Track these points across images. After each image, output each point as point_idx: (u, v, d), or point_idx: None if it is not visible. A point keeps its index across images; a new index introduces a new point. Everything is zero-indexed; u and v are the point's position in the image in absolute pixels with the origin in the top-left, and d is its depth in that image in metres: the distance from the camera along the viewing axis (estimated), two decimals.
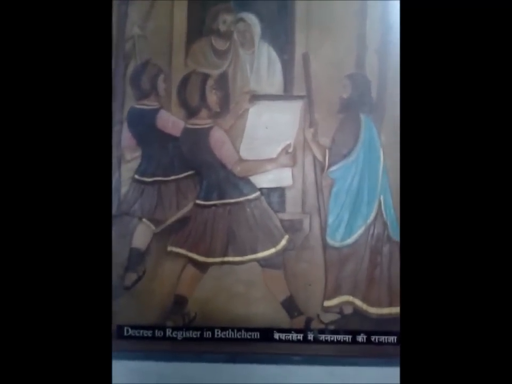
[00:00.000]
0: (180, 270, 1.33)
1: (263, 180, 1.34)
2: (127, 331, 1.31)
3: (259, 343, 1.30)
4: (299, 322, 1.31)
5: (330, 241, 1.33)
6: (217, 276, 1.33)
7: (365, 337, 1.30)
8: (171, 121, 1.34)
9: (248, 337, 1.30)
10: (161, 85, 1.35)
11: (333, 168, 1.34)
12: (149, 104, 1.36)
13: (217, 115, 1.34)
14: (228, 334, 1.31)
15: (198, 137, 1.34)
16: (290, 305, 1.31)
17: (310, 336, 1.31)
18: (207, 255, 1.33)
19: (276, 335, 1.31)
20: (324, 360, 1.31)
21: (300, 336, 1.31)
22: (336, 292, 1.32)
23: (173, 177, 1.35)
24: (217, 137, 1.33)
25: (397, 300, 1.27)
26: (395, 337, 1.28)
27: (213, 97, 1.33)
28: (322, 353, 1.31)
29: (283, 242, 1.32)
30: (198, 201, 1.34)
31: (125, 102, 1.34)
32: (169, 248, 1.34)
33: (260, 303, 1.32)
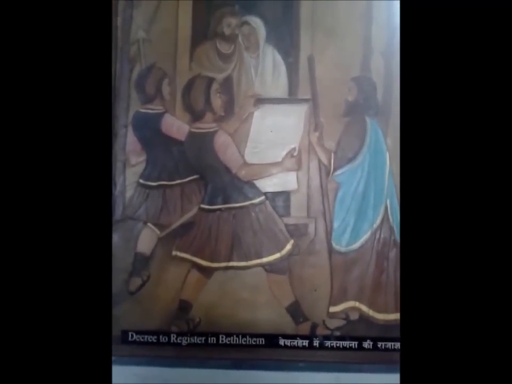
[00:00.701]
0: (185, 275, 1.32)
1: (268, 184, 1.33)
2: (132, 336, 1.30)
3: (264, 349, 1.29)
4: (304, 328, 1.30)
5: (335, 246, 1.31)
6: (222, 280, 1.32)
7: (371, 343, 1.28)
8: (176, 126, 1.34)
9: (253, 343, 1.29)
10: (166, 89, 1.34)
11: (338, 172, 1.32)
12: (154, 108, 1.35)
13: (221, 119, 1.34)
14: (233, 340, 1.29)
15: (202, 141, 1.33)
16: (295, 311, 1.30)
17: (316, 343, 1.29)
18: (212, 260, 1.32)
19: (281, 341, 1.29)
20: (330, 366, 1.29)
21: (306, 342, 1.29)
22: (342, 298, 1.31)
23: (177, 182, 1.35)
24: (222, 141, 1.32)
25: None
26: None
27: (217, 101, 1.33)
28: (328, 360, 1.29)
29: (288, 247, 1.31)
30: (203, 206, 1.33)
31: (130, 106, 1.34)
32: (174, 253, 1.33)
33: (265, 309, 1.30)
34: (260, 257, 1.31)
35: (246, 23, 1.34)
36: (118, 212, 1.33)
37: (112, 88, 1.30)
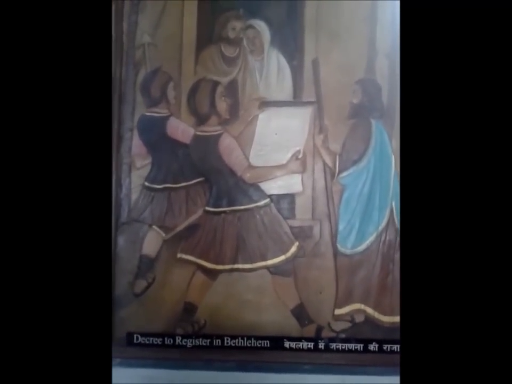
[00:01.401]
0: (190, 277, 1.32)
1: (273, 187, 1.32)
2: (137, 338, 1.30)
3: (269, 352, 1.29)
4: (310, 330, 1.29)
5: (341, 248, 1.31)
6: (227, 283, 1.31)
7: (376, 345, 1.28)
8: (181, 129, 1.34)
9: (258, 345, 1.29)
10: (171, 93, 1.35)
11: (344, 174, 1.32)
12: (159, 111, 1.36)
13: (226, 122, 1.34)
14: (238, 342, 1.29)
15: (207, 144, 1.33)
16: (300, 313, 1.29)
17: (321, 345, 1.28)
18: (217, 262, 1.32)
19: (286, 344, 1.29)
20: (335, 369, 1.28)
21: (311, 345, 1.29)
22: (348, 300, 1.30)
23: (182, 184, 1.35)
24: (227, 144, 1.32)
25: None
26: None
27: (222, 104, 1.33)
28: (333, 362, 1.28)
29: (293, 249, 1.30)
30: (208, 208, 1.33)
31: (135, 110, 1.34)
32: (179, 255, 1.33)
33: (270, 311, 1.30)
34: (265, 259, 1.31)
35: (251, 26, 1.34)
36: (123, 215, 1.33)
37: (116, 92, 1.31)
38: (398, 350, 1.26)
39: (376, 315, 1.29)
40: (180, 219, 1.33)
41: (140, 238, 1.34)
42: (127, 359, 1.28)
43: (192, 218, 1.33)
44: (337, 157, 1.31)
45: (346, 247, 1.31)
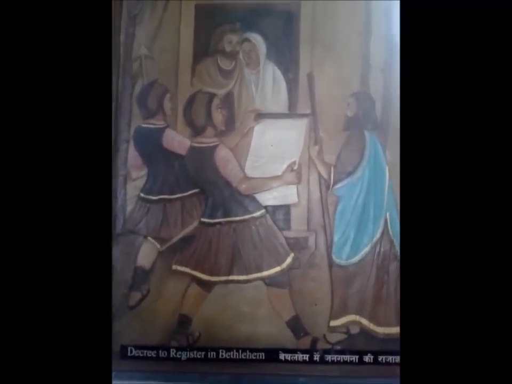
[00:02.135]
0: (185, 289, 1.31)
1: (268, 198, 1.32)
2: (131, 351, 1.28)
3: (264, 364, 1.27)
4: (305, 342, 1.28)
5: (336, 259, 1.30)
6: (222, 294, 1.30)
7: (372, 357, 1.26)
8: (177, 140, 1.34)
9: (253, 357, 1.27)
10: (167, 104, 1.34)
11: (338, 185, 1.32)
12: (156, 123, 1.35)
13: (222, 133, 1.33)
14: (233, 355, 1.27)
15: (203, 156, 1.33)
16: (296, 325, 1.28)
17: (316, 357, 1.27)
18: (212, 274, 1.30)
19: (281, 356, 1.27)
20: (330, 380, 1.27)
21: (306, 357, 1.27)
22: (343, 311, 1.29)
23: (178, 195, 1.34)
24: (223, 155, 1.31)
25: None
26: None
27: (218, 116, 1.32)
28: (328, 374, 1.27)
29: (288, 260, 1.29)
30: (203, 219, 1.32)
31: (131, 121, 1.34)
32: (174, 267, 1.31)
33: (265, 323, 1.28)
34: (260, 270, 1.29)
35: (247, 40, 1.35)
36: (118, 226, 1.32)
37: (113, 103, 1.30)
38: (393, 361, 1.25)
39: (372, 326, 1.28)
40: (175, 230, 1.32)
41: (135, 249, 1.32)
42: (121, 372, 1.25)
43: (188, 230, 1.32)
44: (332, 168, 1.31)
45: (341, 258, 1.30)
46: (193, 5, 1.36)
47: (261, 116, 1.32)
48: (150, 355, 1.27)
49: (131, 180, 1.34)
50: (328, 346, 1.27)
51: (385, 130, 1.32)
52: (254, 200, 1.31)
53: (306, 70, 1.33)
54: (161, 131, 1.34)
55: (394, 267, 1.28)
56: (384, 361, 1.26)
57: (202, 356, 1.27)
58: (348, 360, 1.26)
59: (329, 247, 1.30)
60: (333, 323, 1.28)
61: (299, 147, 1.32)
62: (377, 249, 1.30)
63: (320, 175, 1.31)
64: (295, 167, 1.31)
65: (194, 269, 1.30)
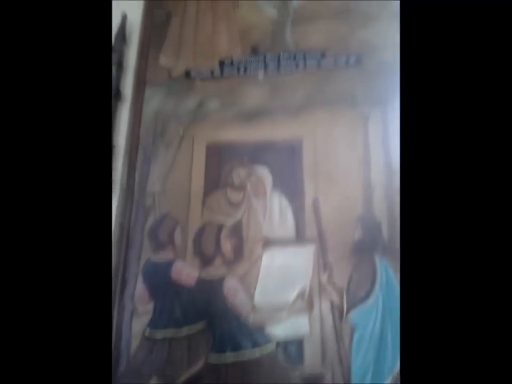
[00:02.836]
0: None
1: (278, 329, 1.25)
2: None
3: None
4: None
5: None
6: None
7: None
8: (185, 272, 1.33)
9: None
10: (177, 236, 1.37)
11: (352, 312, 1.25)
12: (165, 255, 1.36)
13: (231, 263, 1.33)
14: None
15: (211, 287, 1.30)
16: None
17: None
18: None
19: None
20: None
21: None
22: None
23: (184, 334, 1.28)
24: (231, 285, 1.29)
25: None
26: None
27: (227, 246, 1.34)
28: None
29: None
30: (210, 358, 1.24)
31: (141, 255, 1.36)
32: None
33: None
34: None
35: (254, 172, 1.42)
36: (122, 364, 1.25)
37: (122, 236, 1.34)
38: None
39: None
40: (180, 370, 1.23)
41: None
42: None
43: (194, 370, 1.23)
44: (344, 294, 1.26)
45: None
46: (204, 144, 1.48)
47: (269, 243, 1.33)
48: None
49: (137, 315, 1.30)
50: None
51: (395, 253, 1.29)
52: (263, 333, 1.24)
53: (311, 197, 1.37)
54: (170, 263, 1.35)
55: None
56: None
57: None
58: None
59: (346, 381, 1.19)
60: None
61: (308, 273, 1.29)
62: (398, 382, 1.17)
63: (332, 302, 1.26)
64: (306, 295, 1.27)
65: None
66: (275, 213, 1.38)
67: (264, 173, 1.42)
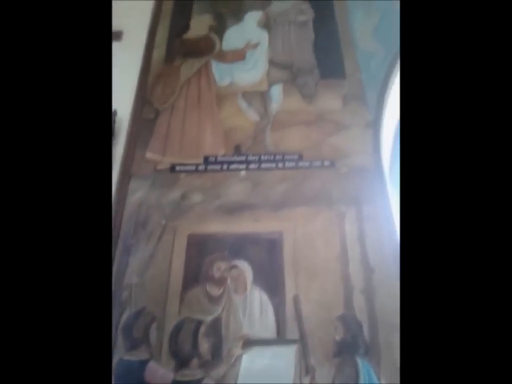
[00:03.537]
0: None
1: None
2: None
3: None
4: None
5: None
6: None
7: None
8: (160, 374, 1.23)
9: None
10: (153, 333, 1.29)
11: None
12: (139, 355, 1.26)
13: (208, 364, 1.24)
14: None
15: None
16: None
17: None
18: None
19: None
20: None
21: None
22: None
23: None
24: None
25: None
26: None
27: (204, 345, 1.26)
28: None
29: None
30: None
31: (114, 353, 1.25)
32: None
33: None
34: None
35: (235, 266, 1.40)
36: None
37: None
38: None
39: None
40: None
41: None
42: None
43: None
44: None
45: None
46: (186, 234, 1.46)
47: (249, 342, 1.26)
48: None
49: None
50: None
51: (377, 355, 1.25)
52: None
53: (292, 293, 1.34)
54: (144, 364, 1.24)
55: None
56: None
57: None
58: None
59: None
60: None
61: (290, 376, 1.21)
62: None
63: None
64: None
65: None
66: (255, 309, 1.33)
67: (245, 267, 1.39)
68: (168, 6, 2.19)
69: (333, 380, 1.21)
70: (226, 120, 1.79)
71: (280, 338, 1.27)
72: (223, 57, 2.01)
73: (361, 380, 1.22)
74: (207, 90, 1.91)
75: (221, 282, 1.37)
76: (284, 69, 1.97)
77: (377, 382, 1.21)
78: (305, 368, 1.22)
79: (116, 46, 2.02)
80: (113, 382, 1.20)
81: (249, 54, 2.01)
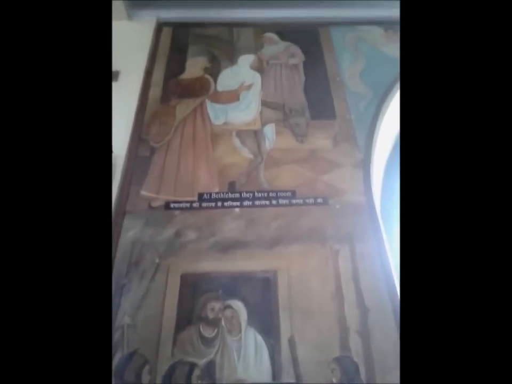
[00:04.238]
0: None
1: None
2: None
3: None
4: None
5: None
6: None
7: None
8: None
9: None
10: (146, 377, 1.23)
11: None
12: None
13: None
14: None
15: None
16: None
17: None
18: None
19: None
20: None
21: None
22: None
23: None
24: None
25: None
26: None
27: None
28: None
29: None
30: None
31: None
32: None
33: None
34: None
35: (229, 306, 1.37)
36: None
37: None
38: None
39: None
40: None
41: None
42: None
43: None
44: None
45: None
46: (179, 273, 1.43)
47: None
48: None
49: None
50: None
51: None
52: None
53: (287, 335, 1.31)
54: None
55: None
56: None
57: None
58: None
59: None
60: None
61: None
62: None
63: None
64: None
65: None
66: (250, 351, 1.28)
67: (239, 307, 1.36)
68: (164, 48, 2.25)
69: None
70: (220, 158, 1.80)
71: (277, 382, 1.22)
72: (217, 97, 2.05)
73: None
74: (202, 129, 1.93)
75: (214, 323, 1.33)
76: (276, 109, 2.01)
77: None
78: None
79: (113, 85, 2.06)
80: None
81: (243, 94, 2.05)
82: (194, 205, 1.63)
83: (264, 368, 1.25)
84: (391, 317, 1.33)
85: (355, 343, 1.30)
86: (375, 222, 1.59)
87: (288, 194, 1.67)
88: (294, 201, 1.66)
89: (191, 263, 1.45)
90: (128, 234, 1.51)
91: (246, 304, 1.36)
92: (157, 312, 1.33)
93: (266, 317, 1.34)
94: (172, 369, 1.23)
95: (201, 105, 2.02)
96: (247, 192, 1.67)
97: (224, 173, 1.74)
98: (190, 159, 1.79)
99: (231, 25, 2.37)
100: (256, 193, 1.67)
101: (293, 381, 1.22)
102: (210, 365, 1.25)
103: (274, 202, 1.65)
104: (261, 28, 2.35)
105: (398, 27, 1.96)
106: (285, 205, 1.64)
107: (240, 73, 2.15)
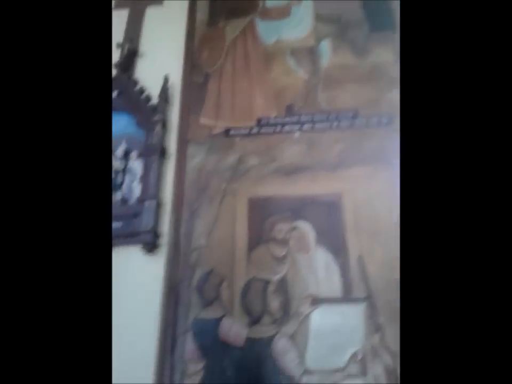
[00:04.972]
0: None
1: None
2: None
3: None
4: None
5: None
6: None
7: None
8: (233, 331, 1.25)
9: None
10: (224, 293, 1.31)
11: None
12: (213, 313, 1.29)
13: (279, 321, 1.25)
14: None
15: (261, 347, 1.22)
16: None
17: None
18: None
19: None
20: None
21: None
22: None
23: None
24: (281, 345, 1.20)
25: None
26: None
27: (274, 303, 1.27)
28: None
29: None
30: None
31: (190, 312, 1.28)
32: None
33: None
34: None
35: (296, 227, 1.37)
36: None
37: (170, 293, 1.27)
38: None
39: None
40: None
41: None
42: None
43: None
44: (399, 358, 1.16)
45: None
46: (246, 197, 1.44)
47: (316, 301, 1.26)
48: None
49: (188, 375, 1.20)
50: None
51: None
52: None
53: (356, 254, 1.31)
54: (218, 321, 1.27)
55: None
56: None
57: None
58: None
59: None
60: None
61: (359, 335, 1.21)
62: None
63: (386, 367, 1.16)
64: (359, 357, 1.17)
65: None
66: (320, 269, 1.31)
67: (306, 228, 1.37)
68: None
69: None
70: (275, 80, 1.70)
71: (348, 297, 1.26)
72: (267, 14, 1.89)
73: None
74: (254, 49, 1.82)
75: (283, 243, 1.36)
76: (332, 23, 1.84)
77: None
78: (374, 327, 1.21)
79: (158, 10, 1.96)
80: (190, 341, 1.24)
81: (294, 9, 1.88)
82: (253, 130, 1.59)
83: (334, 284, 1.29)
84: None
85: None
86: None
87: (349, 115, 1.58)
88: (355, 122, 1.57)
89: (257, 187, 1.46)
90: (193, 162, 1.52)
91: (313, 225, 1.37)
92: (228, 234, 1.38)
93: (334, 237, 1.35)
94: (248, 285, 1.30)
95: (251, 24, 1.88)
96: (306, 114, 1.60)
97: (280, 95, 1.66)
98: (245, 83, 1.71)
99: None
100: (315, 116, 1.59)
101: (364, 296, 1.25)
102: (283, 281, 1.30)
103: (335, 124, 1.58)
104: None
105: None
106: (347, 127, 1.56)
107: None
